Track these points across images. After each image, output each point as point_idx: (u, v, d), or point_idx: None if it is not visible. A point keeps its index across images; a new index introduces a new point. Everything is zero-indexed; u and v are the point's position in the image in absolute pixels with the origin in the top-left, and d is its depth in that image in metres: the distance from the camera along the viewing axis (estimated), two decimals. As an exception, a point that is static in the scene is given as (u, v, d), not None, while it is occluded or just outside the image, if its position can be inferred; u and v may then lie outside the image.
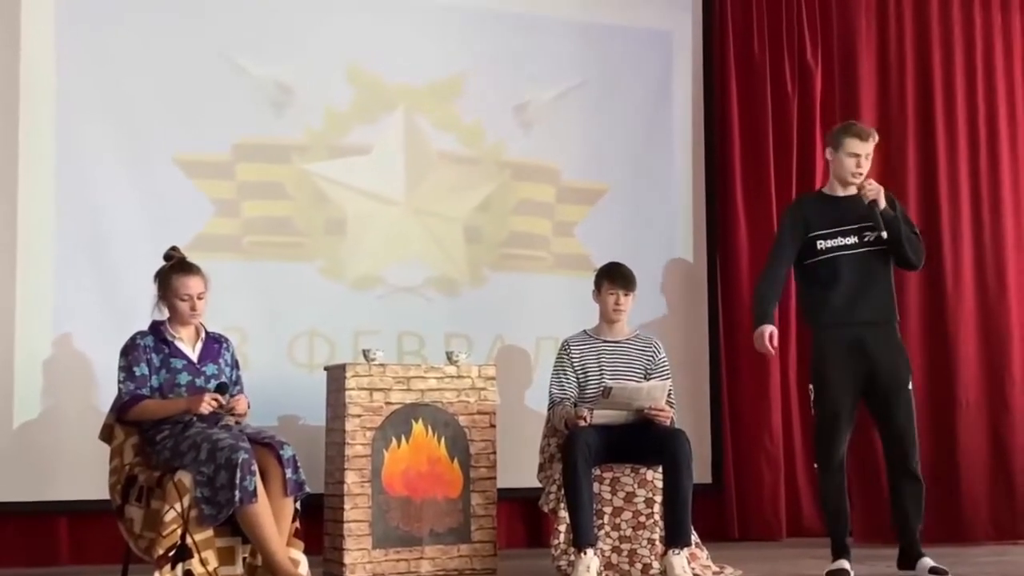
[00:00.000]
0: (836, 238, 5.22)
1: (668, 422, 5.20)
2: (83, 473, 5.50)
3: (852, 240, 5.22)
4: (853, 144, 5.23)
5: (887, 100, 7.08)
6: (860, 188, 5.21)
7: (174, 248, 4.82)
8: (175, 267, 4.72)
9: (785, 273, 5.34)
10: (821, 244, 5.23)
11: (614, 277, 5.42)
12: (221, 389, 4.62)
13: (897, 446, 5.22)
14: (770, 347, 5.21)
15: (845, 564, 5.10)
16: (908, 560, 5.25)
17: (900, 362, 5.24)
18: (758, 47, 7.19)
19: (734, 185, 7.11)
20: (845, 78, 7.13)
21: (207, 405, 4.51)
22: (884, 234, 5.14)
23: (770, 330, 5.18)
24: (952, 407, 6.84)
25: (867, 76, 7.09)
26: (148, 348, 4.65)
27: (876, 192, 5.19)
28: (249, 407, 4.74)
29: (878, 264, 5.25)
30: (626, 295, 5.41)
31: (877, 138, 5.35)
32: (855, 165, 5.23)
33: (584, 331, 5.51)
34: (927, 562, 5.17)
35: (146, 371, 4.62)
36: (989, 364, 6.99)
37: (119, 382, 4.64)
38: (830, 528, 5.25)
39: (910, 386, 5.26)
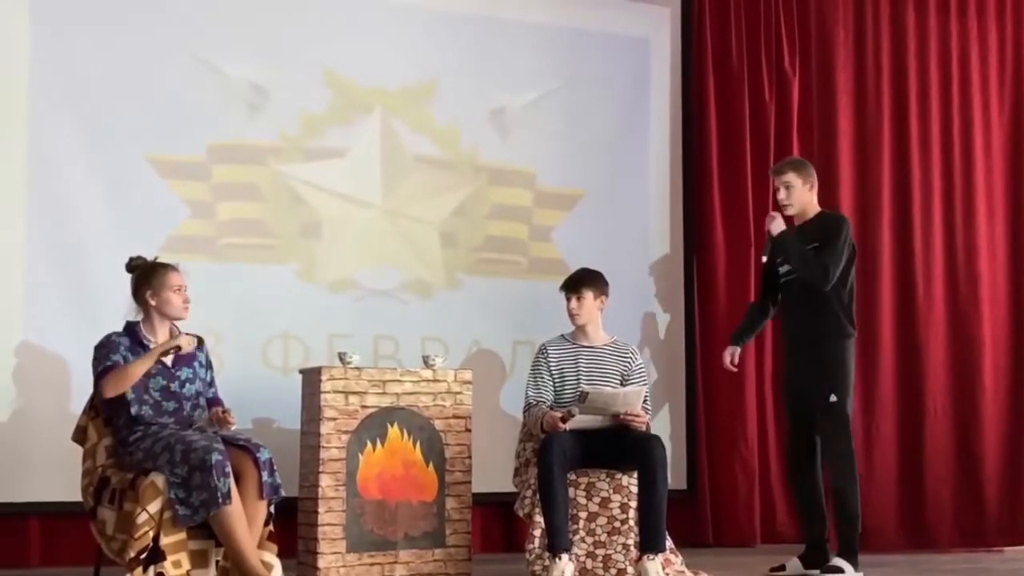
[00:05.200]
0: None
1: (643, 427, 5.20)
2: (55, 475, 5.45)
3: None
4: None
5: (863, 108, 7.13)
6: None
7: (138, 256, 4.76)
8: (158, 265, 4.69)
9: None
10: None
11: (565, 282, 5.46)
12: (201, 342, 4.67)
13: None
14: None
15: None
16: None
17: None
18: (736, 54, 7.20)
19: (711, 192, 7.11)
20: (822, 86, 7.18)
21: (188, 341, 4.54)
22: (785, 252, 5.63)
23: None
24: (921, 415, 6.89)
25: (844, 84, 7.14)
26: (124, 347, 4.59)
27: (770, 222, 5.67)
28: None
29: None
30: (578, 299, 5.40)
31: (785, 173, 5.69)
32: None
33: (562, 335, 5.50)
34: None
35: (120, 360, 4.54)
36: (959, 372, 7.04)
37: (95, 372, 4.55)
38: (853, 532, 5.48)
39: None
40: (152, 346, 4.63)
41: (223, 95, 6.16)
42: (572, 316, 5.42)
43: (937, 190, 7.18)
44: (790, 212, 5.65)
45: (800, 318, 5.59)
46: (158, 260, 4.73)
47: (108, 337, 4.62)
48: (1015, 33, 7.39)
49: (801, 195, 5.61)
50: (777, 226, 5.57)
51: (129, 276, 4.71)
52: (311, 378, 5.36)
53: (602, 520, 5.18)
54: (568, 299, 5.41)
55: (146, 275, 4.66)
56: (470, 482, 5.48)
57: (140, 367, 4.51)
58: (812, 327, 5.51)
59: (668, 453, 5.17)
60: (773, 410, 7.09)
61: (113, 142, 5.90)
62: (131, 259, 4.74)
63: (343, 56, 6.41)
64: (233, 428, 4.62)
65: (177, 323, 4.73)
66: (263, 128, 6.23)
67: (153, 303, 4.64)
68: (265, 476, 4.43)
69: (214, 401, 4.78)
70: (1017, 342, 7.17)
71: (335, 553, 5.18)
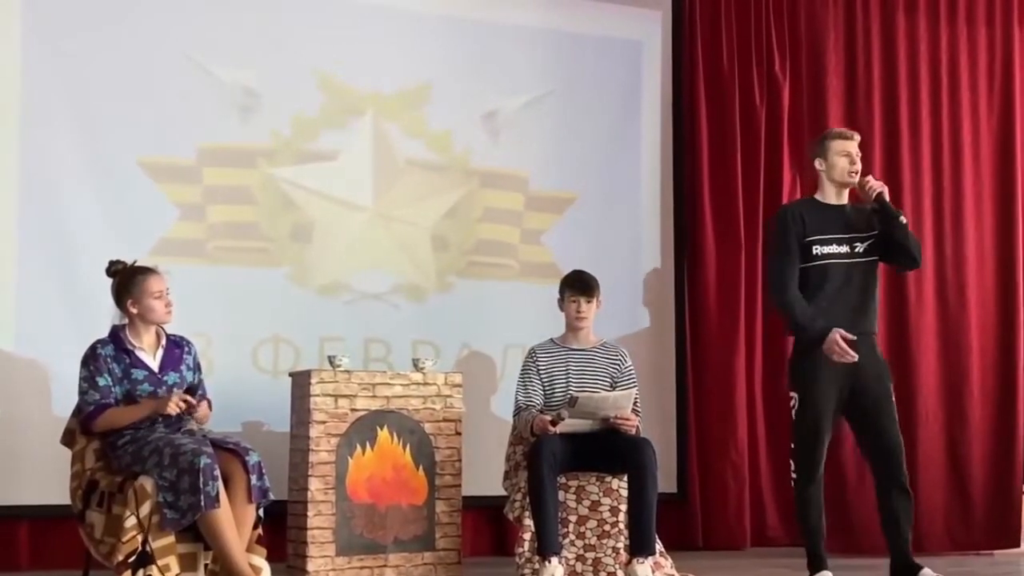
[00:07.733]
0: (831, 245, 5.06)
1: (634, 431, 5.20)
2: (44, 478, 5.44)
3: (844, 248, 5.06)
4: (842, 144, 5.12)
5: (854, 113, 7.14)
6: (863, 185, 5.09)
7: (118, 261, 4.74)
8: (136, 270, 4.66)
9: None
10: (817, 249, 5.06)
11: (574, 284, 5.44)
12: (190, 391, 4.60)
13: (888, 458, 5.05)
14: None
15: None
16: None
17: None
18: (727, 58, 7.19)
19: (702, 195, 7.10)
20: (813, 91, 7.19)
21: (175, 406, 4.47)
22: (903, 219, 5.02)
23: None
24: (913, 420, 6.90)
25: (834, 89, 7.15)
26: (109, 358, 4.57)
27: (881, 186, 5.09)
28: (211, 409, 4.71)
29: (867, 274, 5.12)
30: (588, 302, 5.41)
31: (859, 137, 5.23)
32: (849, 163, 5.10)
33: (551, 339, 5.51)
34: (928, 573, 4.93)
35: (109, 381, 4.54)
36: (949, 378, 7.05)
37: (81, 393, 4.57)
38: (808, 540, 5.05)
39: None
40: (138, 353, 4.62)
41: (215, 98, 6.15)
42: (580, 319, 5.41)
43: (927, 195, 7.19)
44: (853, 180, 5.11)
45: (855, 308, 5.03)
46: (136, 264, 4.70)
47: (94, 349, 4.59)
48: (1004, 38, 7.40)
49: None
50: (881, 186, 5.06)
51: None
52: (300, 381, 5.36)
53: (592, 523, 5.18)
54: (577, 301, 5.41)
55: (125, 283, 4.63)
56: (460, 485, 5.50)
57: (133, 416, 4.51)
58: (867, 320, 5.05)
59: (658, 456, 5.16)
60: (763, 414, 7.09)
61: (104, 144, 5.88)
62: (111, 263, 4.72)
63: (335, 59, 6.40)
64: (204, 421, 4.63)
65: (163, 326, 4.73)
66: (255, 131, 6.21)
67: (135, 311, 4.62)
68: (254, 480, 4.43)
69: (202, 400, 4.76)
70: (1005, 347, 7.18)
71: (324, 557, 5.18)
